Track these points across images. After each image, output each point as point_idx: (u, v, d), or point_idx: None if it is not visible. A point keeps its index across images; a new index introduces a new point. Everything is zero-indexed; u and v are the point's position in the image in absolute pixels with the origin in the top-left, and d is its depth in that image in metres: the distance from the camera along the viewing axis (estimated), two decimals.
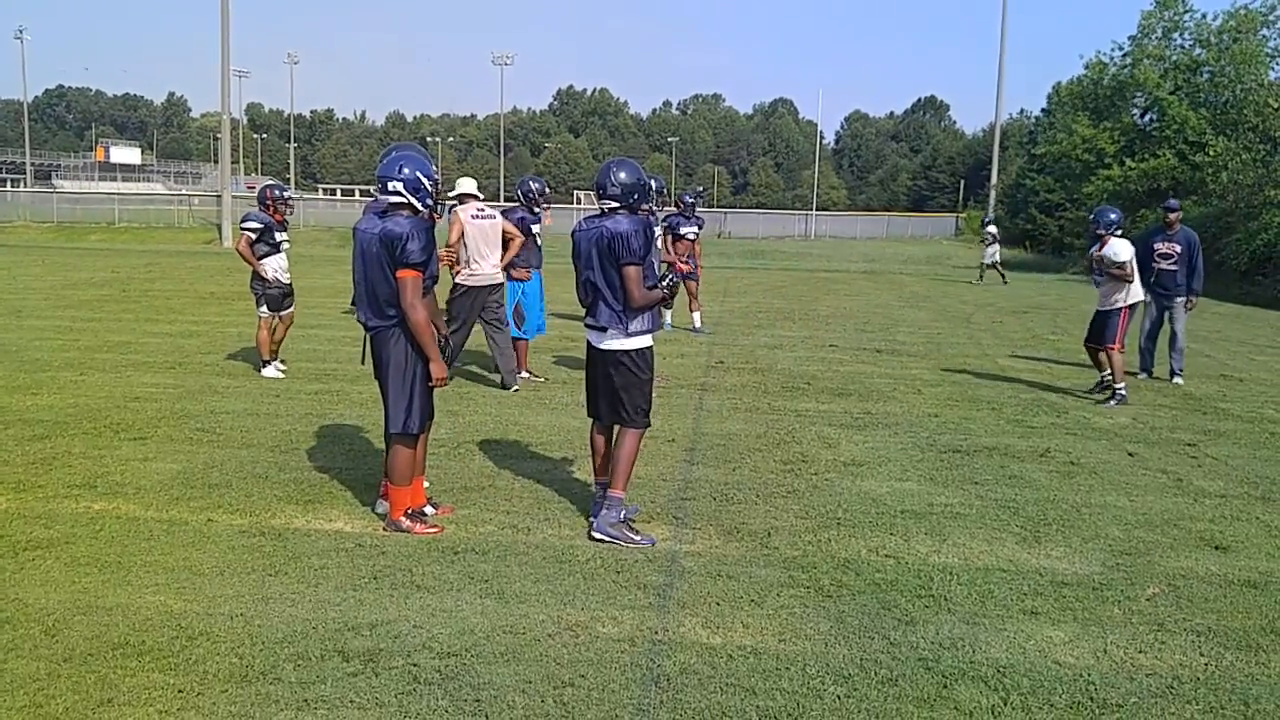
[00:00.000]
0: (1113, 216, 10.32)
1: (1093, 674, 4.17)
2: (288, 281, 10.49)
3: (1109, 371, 10.39)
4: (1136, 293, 10.32)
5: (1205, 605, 4.96)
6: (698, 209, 14.55)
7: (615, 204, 5.63)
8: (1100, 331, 10.39)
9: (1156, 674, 4.19)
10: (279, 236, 10.31)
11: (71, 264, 25.41)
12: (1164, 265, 11.60)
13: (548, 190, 11.11)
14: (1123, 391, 10.18)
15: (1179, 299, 11.67)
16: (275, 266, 10.29)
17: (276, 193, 10.56)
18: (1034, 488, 6.99)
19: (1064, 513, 6.41)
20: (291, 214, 11.31)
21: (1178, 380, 11.49)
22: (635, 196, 5.66)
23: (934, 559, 5.50)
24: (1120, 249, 10.12)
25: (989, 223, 31.07)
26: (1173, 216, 11.63)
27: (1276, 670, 4.27)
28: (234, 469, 6.82)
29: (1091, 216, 10.63)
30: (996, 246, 29.51)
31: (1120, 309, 10.20)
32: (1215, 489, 7.13)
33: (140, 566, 5.05)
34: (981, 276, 29.39)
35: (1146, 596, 5.04)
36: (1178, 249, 11.58)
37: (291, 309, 10.62)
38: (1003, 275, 29.15)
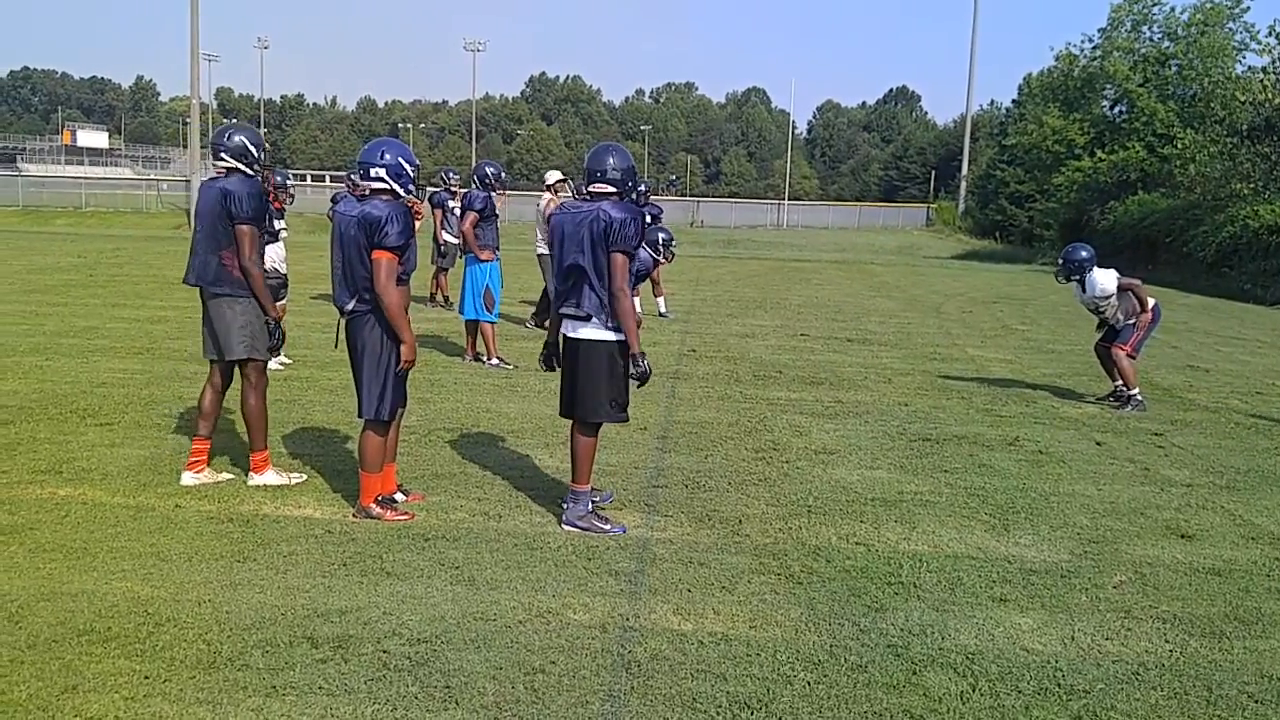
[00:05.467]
0: (1084, 254, 9.59)
1: (1060, 660, 4.20)
2: (285, 272, 10.03)
3: (1120, 381, 9.66)
4: (1149, 301, 9.59)
5: (1171, 593, 5.01)
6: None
7: (611, 189, 5.48)
8: (1116, 332, 9.70)
9: (1123, 660, 4.23)
10: (278, 225, 9.83)
11: (37, 249, 25.08)
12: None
13: (504, 175, 11.10)
14: (1139, 397, 9.56)
15: None
16: (273, 256, 9.67)
17: (278, 179, 10.15)
18: (1003, 476, 7.04)
19: (1033, 501, 6.46)
20: (292, 202, 10.87)
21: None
22: (630, 183, 5.53)
23: (904, 546, 5.53)
24: (1105, 280, 9.48)
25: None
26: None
27: (1239, 656, 4.32)
28: None
29: (1059, 262, 9.84)
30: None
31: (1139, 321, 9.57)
32: (1181, 478, 7.19)
33: (106, 552, 5.00)
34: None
35: (1113, 584, 5.09)
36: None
37: (286, 299, 10.18)
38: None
